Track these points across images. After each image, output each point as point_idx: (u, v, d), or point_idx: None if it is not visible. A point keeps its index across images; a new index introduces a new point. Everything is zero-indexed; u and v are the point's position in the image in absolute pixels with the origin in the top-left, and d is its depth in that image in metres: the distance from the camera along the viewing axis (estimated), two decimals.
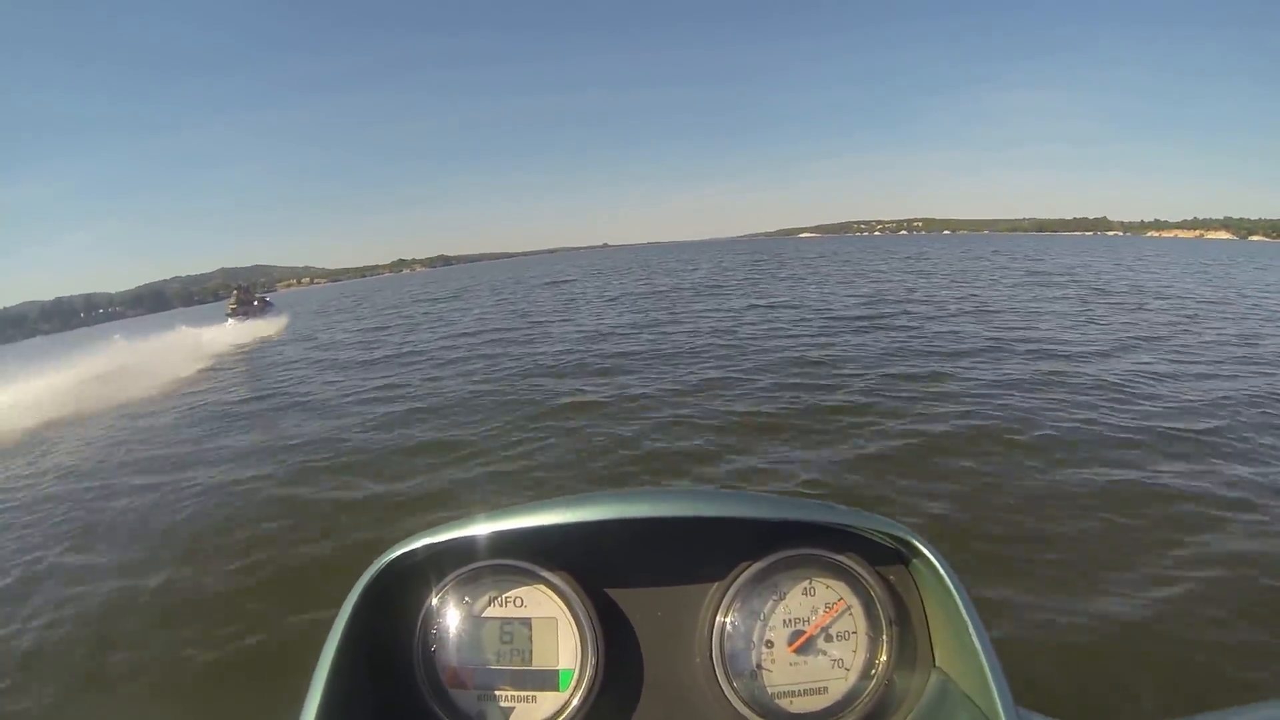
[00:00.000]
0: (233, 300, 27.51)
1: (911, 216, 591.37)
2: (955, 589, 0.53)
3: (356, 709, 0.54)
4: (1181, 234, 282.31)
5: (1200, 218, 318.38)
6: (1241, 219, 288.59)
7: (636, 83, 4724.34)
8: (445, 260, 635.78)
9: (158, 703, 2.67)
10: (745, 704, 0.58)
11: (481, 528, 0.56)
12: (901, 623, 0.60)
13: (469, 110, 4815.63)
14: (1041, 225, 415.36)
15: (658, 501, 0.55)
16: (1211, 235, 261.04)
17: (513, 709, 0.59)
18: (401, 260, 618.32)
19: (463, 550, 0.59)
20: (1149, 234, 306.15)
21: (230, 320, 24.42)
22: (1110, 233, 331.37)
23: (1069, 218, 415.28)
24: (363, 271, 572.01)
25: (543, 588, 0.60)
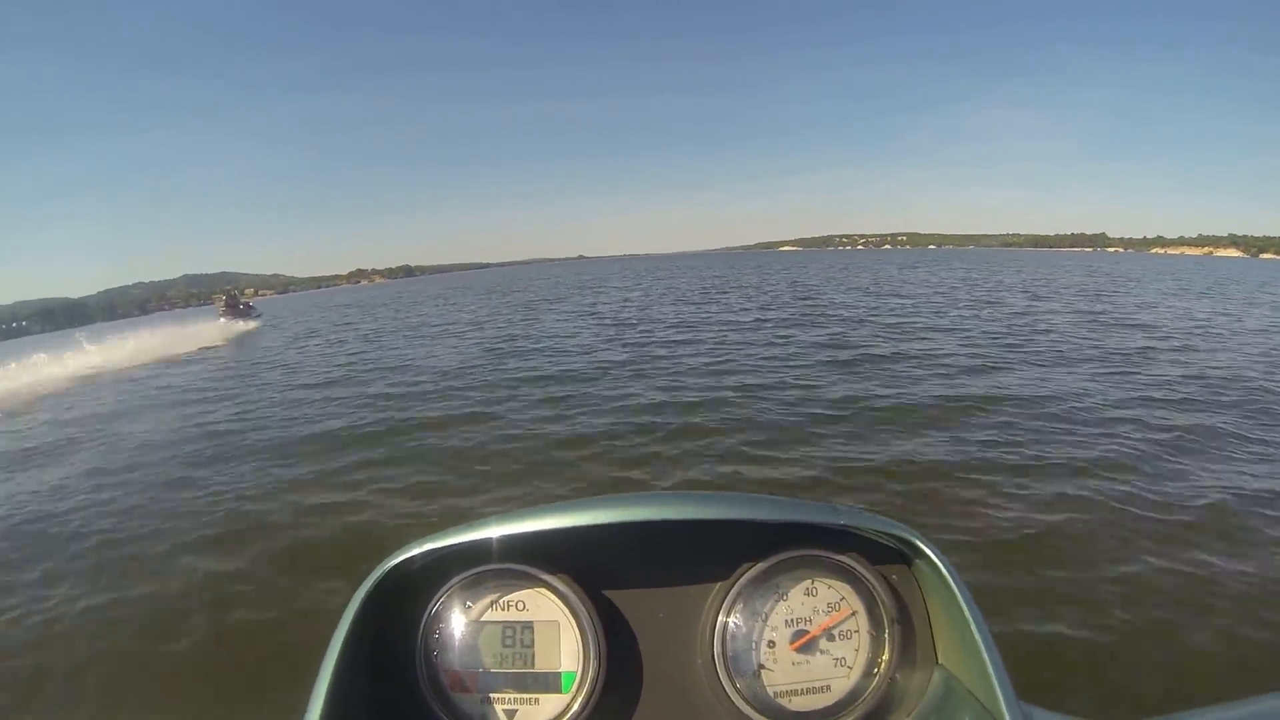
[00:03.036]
0: (222, 305, 31.48)
1: (895, 231, 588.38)
2: (957, 587, 0.53)
3: (359, 713, 0.54)
4: (1189, 251, 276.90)
5: (1205, 234, 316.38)
6: (1247, 236, 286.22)
7: (614, 93, 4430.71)
8: (409, 271, 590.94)
9: None
10: (748, 703, 0.58)
11: (483, 532, 0.55)
12: (904, 621, 0.59)
13: (442, 116, 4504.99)
14: (1036, 241, 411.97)
15: (659, 505, 0.55)
16: (1221, 253, 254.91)
17: (515, 711, 0.59)
18: (360, 270, 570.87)
19: (464, 555, 0.58)
20: (1153, 250, 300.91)
21: (222, 319, 28.43)
22: (1110, 249, 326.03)
23: (1065, 233, 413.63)
24: (318, 282, 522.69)
25: (544, 591, 0.60)
